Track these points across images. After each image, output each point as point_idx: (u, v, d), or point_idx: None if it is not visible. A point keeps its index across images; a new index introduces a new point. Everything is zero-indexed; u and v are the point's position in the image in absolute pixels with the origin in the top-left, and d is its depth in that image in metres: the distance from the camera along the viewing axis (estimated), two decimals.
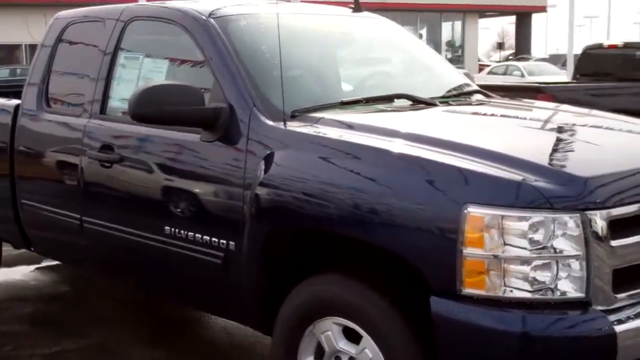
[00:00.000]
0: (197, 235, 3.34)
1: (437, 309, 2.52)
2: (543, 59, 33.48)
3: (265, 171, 3.05)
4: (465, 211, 2.46)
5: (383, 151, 2.79)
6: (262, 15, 3.88)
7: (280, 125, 3.15)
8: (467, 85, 4.22)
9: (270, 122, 3.17)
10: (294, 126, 3.14)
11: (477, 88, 4.17)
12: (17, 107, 4.58)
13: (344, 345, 2.87)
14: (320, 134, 3.04)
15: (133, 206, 3.70)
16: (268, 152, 3.10)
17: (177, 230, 3.42)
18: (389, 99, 3.57)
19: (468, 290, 2.49)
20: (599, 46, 10.46)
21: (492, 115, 3.60)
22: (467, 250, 2.46)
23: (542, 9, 44.36)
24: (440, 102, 3.65)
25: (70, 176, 4.07)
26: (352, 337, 2.85)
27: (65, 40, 4.42)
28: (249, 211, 3.07)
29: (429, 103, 3.59)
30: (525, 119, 3.62)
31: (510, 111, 3.75)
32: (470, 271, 2.47)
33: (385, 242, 2.68)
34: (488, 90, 4.19)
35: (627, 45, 9.78)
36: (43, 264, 6.19)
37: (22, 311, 5.05)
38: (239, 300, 3.27)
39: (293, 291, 3.03)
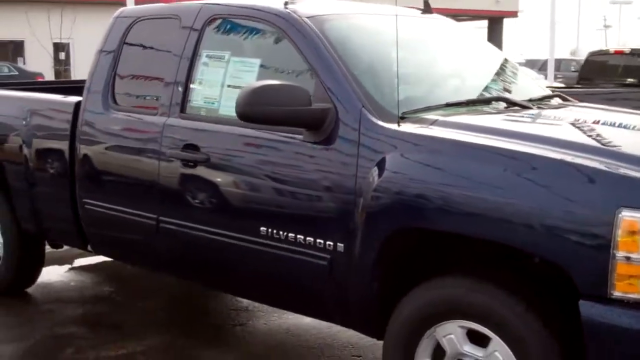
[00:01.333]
0: (299, 236, 3.30)
1: (589, 313, 2.52)
2: (519, 63, 33.75)
3: (380, 174, 3.02)
4: (620, 215, 2.46)
5: (520, 154, 2.77)
6: (349, 15, 3.86)
7: (394, 126, 3.12)
8: (542, 88, 4.23)
9: (383, 124, 3.14)
10: (409, 128, 3.12)
11: (551, 92, 4.18)
12: (77, 104, 4.49)
13: (469, 348, 2.86)
14: (442, 136, 3.01)
15: (223, 207, 3.62)
16: (381, 154, 3.06)
17: (275, 231, 3.38)
18: (487, 101, 3.57)
19: (618, 294, 2.50)
20: (605, 52, 10.58)
21: (592, 118, 3.60)
22: (620, 254, 2.47)
23: (514, 14, 44.80)
24: (533, 105, 3.66)
25: (145, 175, 3.99)
26: (476, 339, 2.85)
27: (132, 37, 4.32)
28: (365, 213, 3.03)
29: (524, 106, 3.59)
30: (623, 122, 3.60)
31: (601, 114, 3.74)
32: (622, 275, 2.48)
33: (531, 246, 2.66)
34: None
35: (634, 52, 9.90)
36: (75, 264, 6.09)
37: (73, 313, 4.92)
38: (344, 302, 3.24)
39: (410, 294, 3.00)
